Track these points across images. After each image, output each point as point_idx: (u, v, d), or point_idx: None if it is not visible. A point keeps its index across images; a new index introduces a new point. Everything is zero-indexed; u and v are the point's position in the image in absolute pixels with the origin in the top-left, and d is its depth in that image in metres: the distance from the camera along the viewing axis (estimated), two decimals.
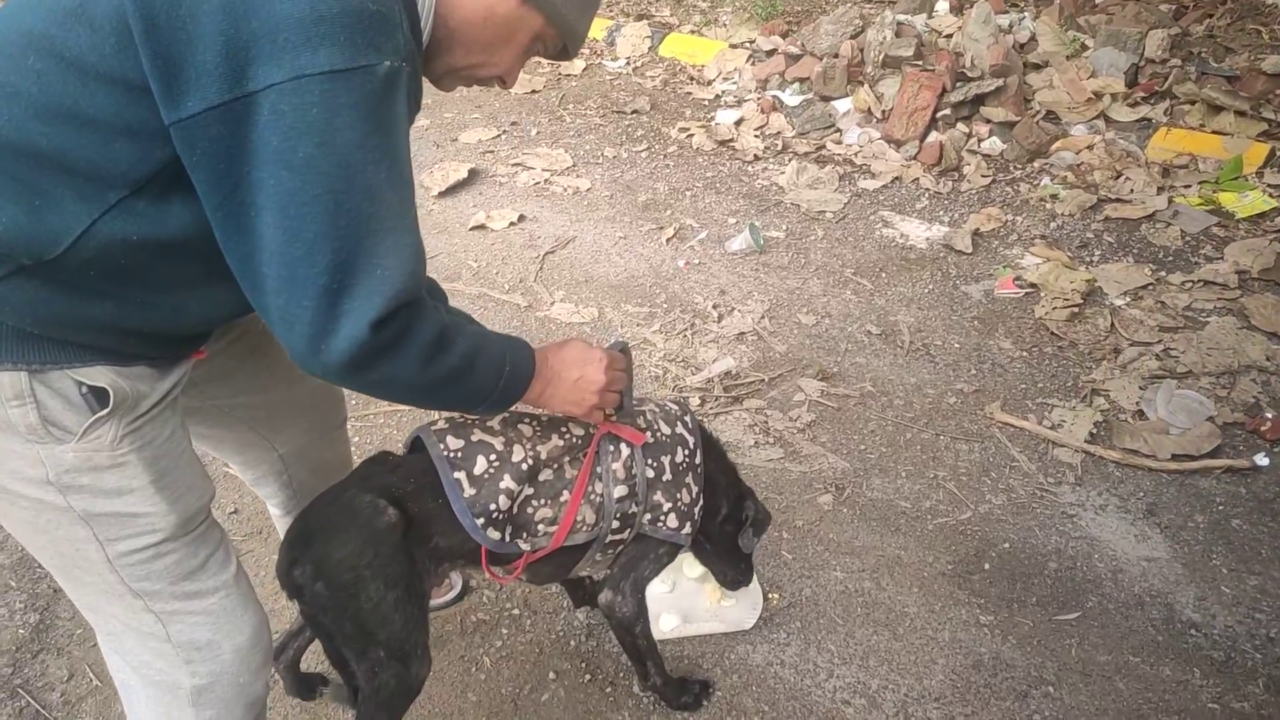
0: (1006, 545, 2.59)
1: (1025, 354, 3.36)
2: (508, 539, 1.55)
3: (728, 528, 1.95)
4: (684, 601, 2.34)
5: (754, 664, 2.21)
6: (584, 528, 1.63)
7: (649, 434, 1.68)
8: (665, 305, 3.57)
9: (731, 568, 2.09)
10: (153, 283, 1.08)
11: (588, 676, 2.17)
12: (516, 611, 2.33)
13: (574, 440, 1.61)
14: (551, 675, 2.16)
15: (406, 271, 1.04)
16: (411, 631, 1.51)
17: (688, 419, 1.76)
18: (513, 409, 1.53)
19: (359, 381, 1.08)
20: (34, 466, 1.13)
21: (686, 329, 3.43)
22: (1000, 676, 2.21)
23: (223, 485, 2.66)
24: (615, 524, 1.66)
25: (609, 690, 2.13)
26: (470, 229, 4.05)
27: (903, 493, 2.74)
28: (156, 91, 0.93)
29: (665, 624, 2.26)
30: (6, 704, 2.07)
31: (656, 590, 2.36)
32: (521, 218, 4.14)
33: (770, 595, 2.39)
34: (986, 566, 2.52)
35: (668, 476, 1.66)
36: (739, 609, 2.32)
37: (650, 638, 1.94)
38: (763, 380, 3.17)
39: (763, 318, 3.51)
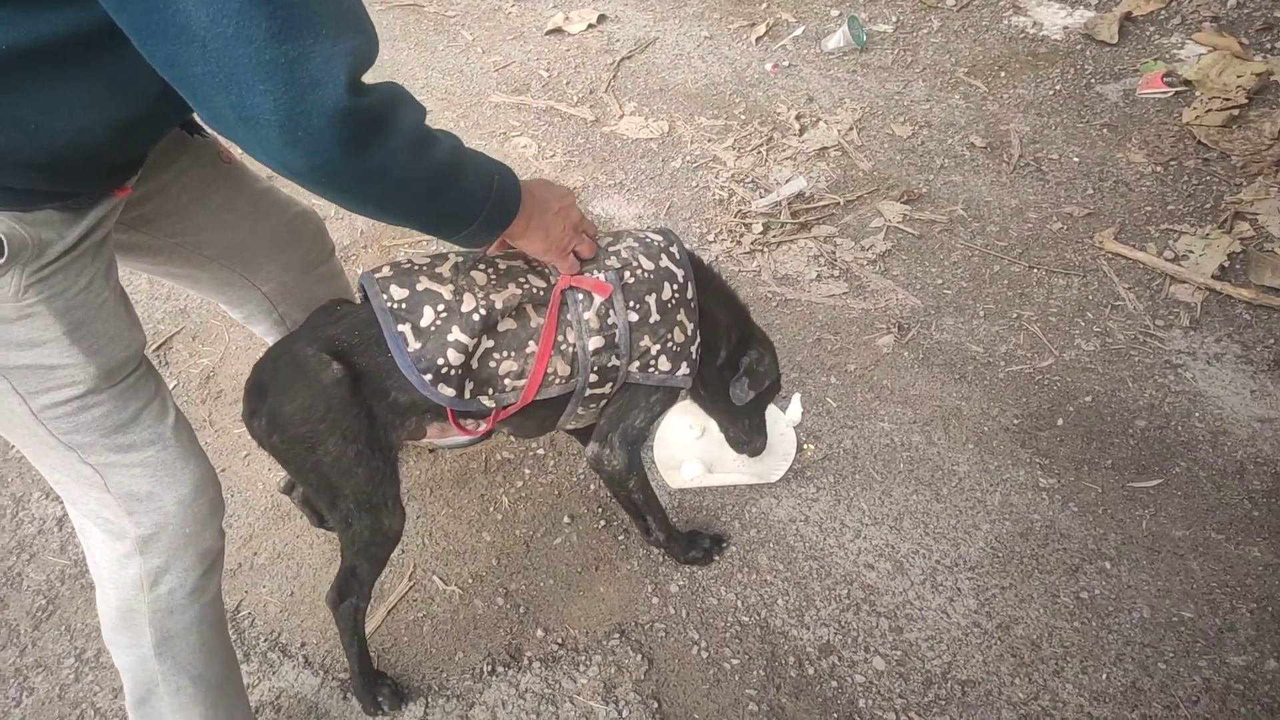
0: (1088, 399, 2.25)
1: (1159, 169, 2.81)
2: (468, 395, 1.44)
3: (725, 374, 1.74)
4: (711, 450, 2.18)
5: (776, 519, 2.06)
6: (557, 381, 1.50)
7: (627, 274, 1.51)
8: (743, 116, 3.19)
9: (731, 423, 1.90)
10: (45, 104, 0.97)
11: (602, 522, 2.09)
12: (541, 452, 2.25)
13: (534, 290, 1.45)
14: (566, 519, 2.08)
15: (356, 24, 0.93)
16: (378, 484, 1.47)
17: (674, 249, 1.57)
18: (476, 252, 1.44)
19: (349, 171, 0.97)
20: None
21: (762, 144, 3.06)
22: (1050, 548, 1.97)
23: None
24: (593, 377, 1.53)
25: (621, 539, 2.05)
26: (546, 33, 3.70)
27: (977, 335, 2.43)
28: None
29: (687, 472, 2.13)
30: None
31: (684, 438, 2.22)
32: (602, 18, 3.75)
33: (805, 446, 2.20)
34: (1059, 422, 2.21)
35: (654, 317, 1.51)
36: (768, 460, 2.14)
37: (647, 490, 1.81)
38: (838, 203, 2.83)
39: (850, 129, 3.08)
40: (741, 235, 2.74)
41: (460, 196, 1.17)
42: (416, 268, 1.44)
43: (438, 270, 1.44)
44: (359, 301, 1.52)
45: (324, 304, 1.53)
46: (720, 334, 1.71)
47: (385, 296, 1.39)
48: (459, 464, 2.23)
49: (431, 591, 1.97)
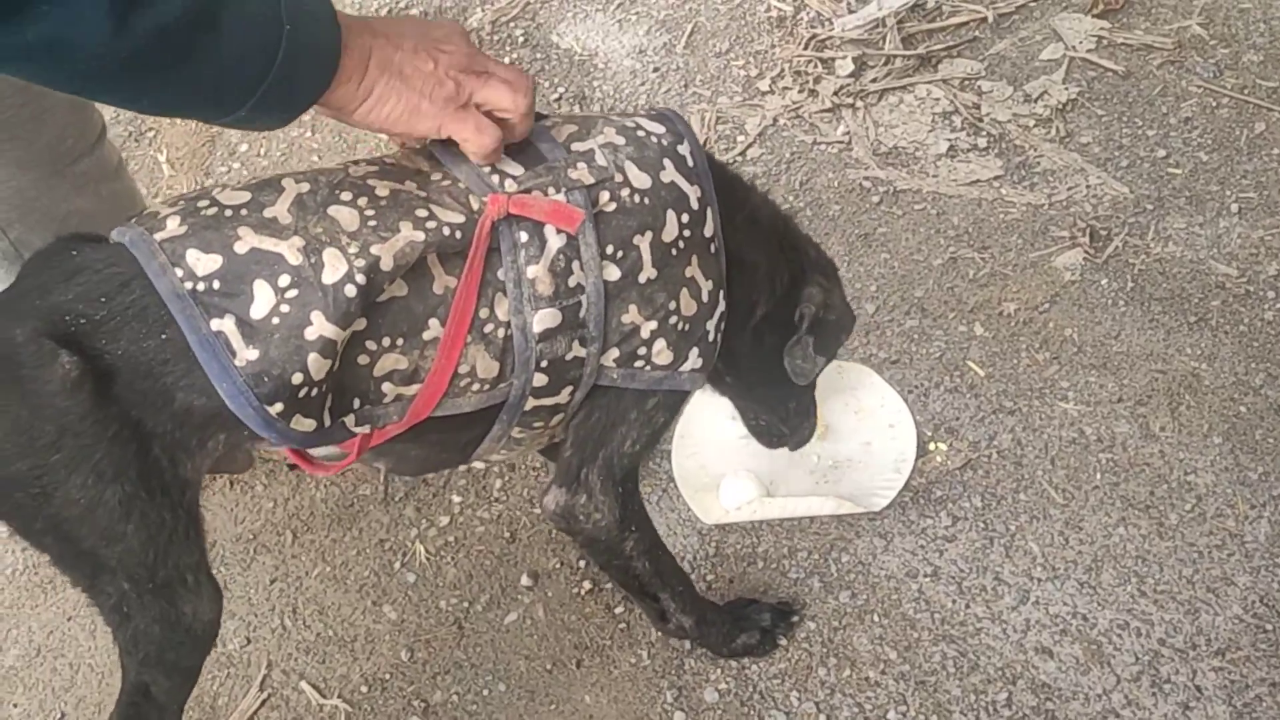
0: None
1: None
2: (327, 424, 1.41)
3: (769, 338, 1.75)
4: (768, 456, 2.13)
5: (883, 573, 2.03)
6: (475, 385, 1.47)
7: (604, 194, 1.44)
8: None
9: (766, 408, 1.93)
10: None
11: (587, 584, 2.06)
12: (480, 465, 2.20)
13: (445, 229, 1.39)
14: (525, 581, 2.07)
15: None
16: (166, 549, 1.45)
17: (684, 150, 1.53)
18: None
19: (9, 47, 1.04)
20: None
21: None
22: None
23: None
24: (540, 379, 1.49)
25: (620, 611, 2.02)
26: None
27: (1227, 246, 2.39)
28: None
29: (732, 496, 2.11)
30: None
31: (723, 434, 2.19)
32: None
33: (931, 446, 2.16)
34: None
35: (647, 274, 1.49)
36: (867, 471, 2.13)
37: (657, 553, 1.79)
38: (983, 19, 2.79)
39: None
40: (817, 81, 2.71)
41: (219, 61, 1.16)
42: (226, 210, 1.37)
43: (266, 211, 1.36)
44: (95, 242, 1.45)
45: (51, 245, 1.46)
46: (759, 283, 1.69)
47: (179, 271, 1.32)
48: (339, 489, 2.21)
49: (299, 709, 1.96)
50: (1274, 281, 2.34)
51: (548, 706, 1.92)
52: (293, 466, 2.21)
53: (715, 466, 2.16)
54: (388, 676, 1.98)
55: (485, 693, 1.95)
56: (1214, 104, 2.61)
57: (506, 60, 2.81)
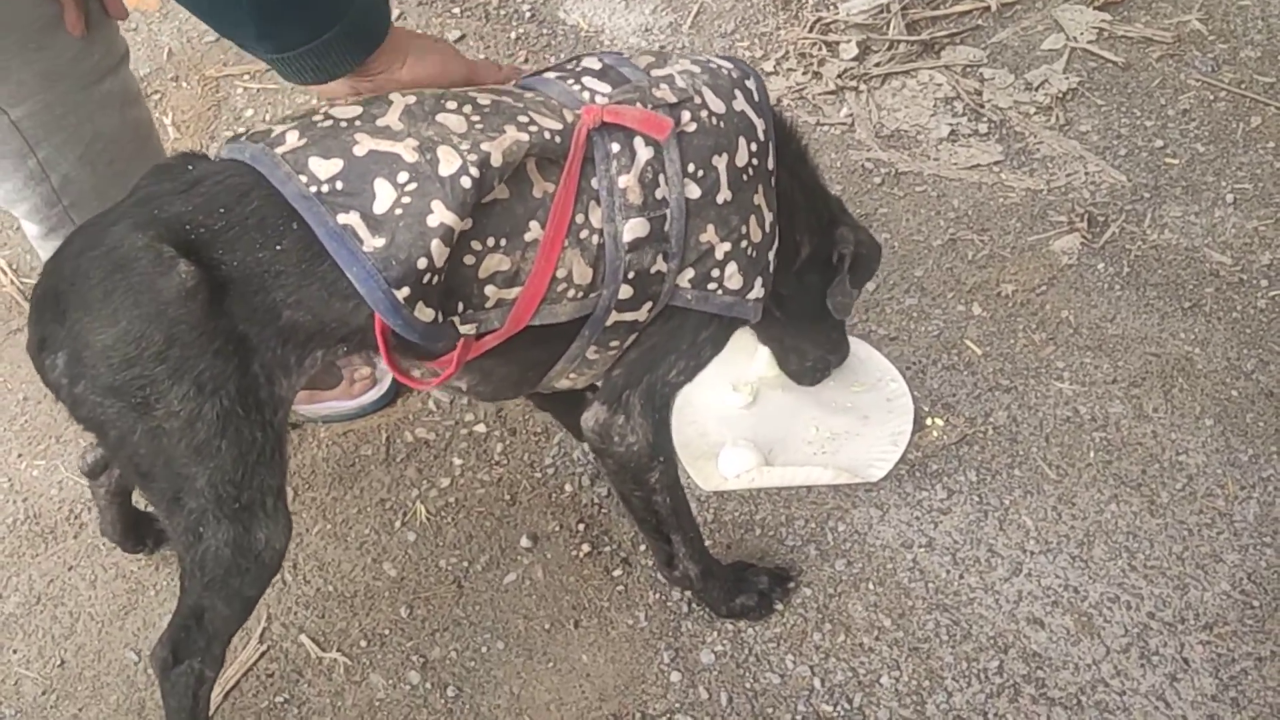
0: None
1: None
2: (441, 318, 1.45)
3: (810, 277, 1.83)
4: (768, 426, 2.17)
5: (878, 543, 2.05)
6: (570, 291, 1.52)
7: (685, 114, 1.52)
8: None
9: (811, 344, 2.03)
10: None
11: (586, 547, 2.08)
12: (482, 429, 2.24)
13: (546, 134, 1.45)
14: (525, 541, 2.08)
15: None
16: (254, 470, 1.47)
17: (751, 85, 1.61)
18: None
19: None
20: None
21: None
22: None
23: None
24: (626, 290, 1.54)
25: (618, 574, 2.04)
26: None
27: (1221, 234, 2.41)
28: None
29: (732, 465, 2.12)
30: None
31: (724, 407, 2.22)
32: None
33: (928, 421, 2.19)
34: None
35: (723, 195, 1.55)
36: (864, 443, 2.14)
37: (677, 490, 1.82)
38: (986, 8, 2.81)
39: None
40: (821, 63, 2.72)
41: None
42: (342, 123, 1.43)
43: (379, 120, 1.42)
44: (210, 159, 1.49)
45: (166, 161, 1.50)
46: (801, 221, 1.76)
47: (303, 178, 1.38)
48: (342, 448, 2.21)
49: (298, 661, 1.96)
50: (1267, 270, 2.36)
51: (545, 665, 1.93)
52: (294, 426, 2.23)
53: (715, 434, 2.16)
54: (387, 632, 1.98)
55: (483, 650, 1.96)
56: (1211, 97, 2.63)
57: (512, 35, 2.85)
